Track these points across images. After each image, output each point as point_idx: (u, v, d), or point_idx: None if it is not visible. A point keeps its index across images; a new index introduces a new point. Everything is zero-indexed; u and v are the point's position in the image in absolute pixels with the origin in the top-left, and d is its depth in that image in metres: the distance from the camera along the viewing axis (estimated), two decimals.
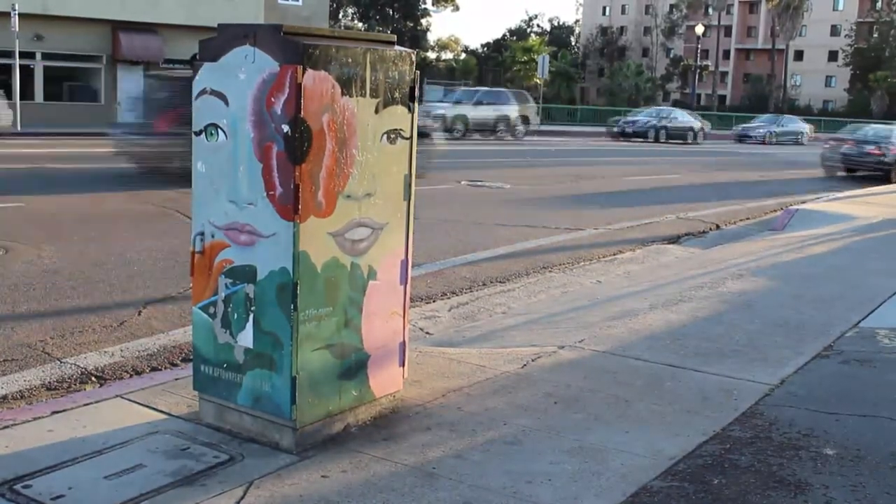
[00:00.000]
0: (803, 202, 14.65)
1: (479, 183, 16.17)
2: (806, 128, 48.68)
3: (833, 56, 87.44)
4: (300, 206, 3.60)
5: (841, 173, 22.82)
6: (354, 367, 3.99)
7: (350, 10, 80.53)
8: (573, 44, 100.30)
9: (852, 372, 5.15)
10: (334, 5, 67.38)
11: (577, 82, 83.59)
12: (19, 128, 24.93)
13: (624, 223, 11.96)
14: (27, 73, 28.76)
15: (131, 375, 4.97)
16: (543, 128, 38.03)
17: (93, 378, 4.91)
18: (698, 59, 53.06)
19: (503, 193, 15.03)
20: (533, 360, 5.16)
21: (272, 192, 3.64)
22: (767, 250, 9.67)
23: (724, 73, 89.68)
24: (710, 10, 79.08)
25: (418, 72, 4.17)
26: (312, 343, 3.75)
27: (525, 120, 34.29)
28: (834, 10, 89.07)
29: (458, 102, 32.47)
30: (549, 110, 42.32)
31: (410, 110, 4.12)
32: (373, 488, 3.43)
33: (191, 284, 4.06)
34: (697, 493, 3.48)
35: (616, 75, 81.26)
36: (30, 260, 7.76)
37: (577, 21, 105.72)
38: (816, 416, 4.37)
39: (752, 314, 6.46)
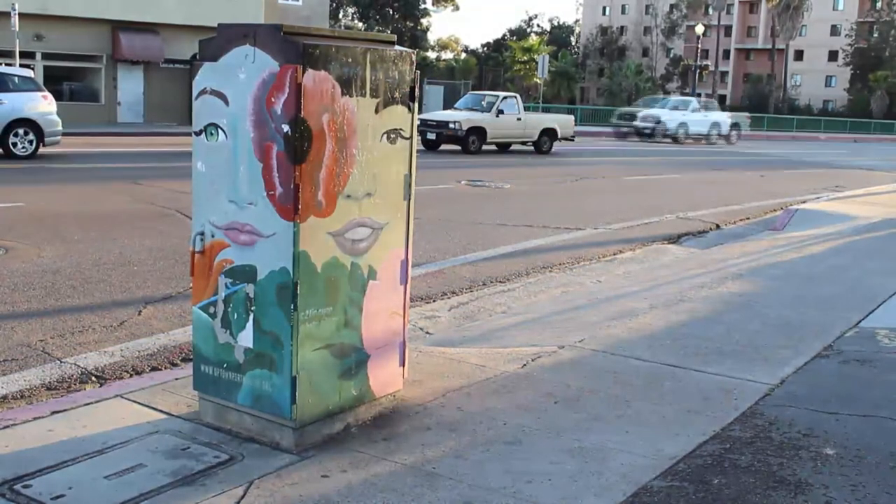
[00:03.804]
0: (803, 202, 14.64)
1: (479, 183, 16.16)
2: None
3: (833, 56, 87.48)
4: (300, 206, 3.60)
5: None
6: (354, 367, 4.00)
7: (350, 10, 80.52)
8: (573, 44, 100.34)
9: (852, 372, 5.15)
10: (334, 5, 67.36)
11: (577, 82, 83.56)
12: None
13: (624, 223, 11.96)
14: None
15: (131, 375, 4.97)
16: None
17: (93, 378, 4.91)
18: (698, 58, 53.02)
19: (504, 193, 15.02)
20: (533, 360, 5.16)
21: (272, 192, 3.64)
22: (767, 250, 9.67)
23: (724, 73, 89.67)
24: (710, 10, 79.04)
25: (418, 72, 4.17)
26: (312, 343, 3.75)
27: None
28: (834, 9, 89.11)
29: None
30: (549, 110, 42.33)
31: (410, 110, 4.12)
32: (373, 488, 3.43)
33: (191, 284, 4.07)
34: (697, 492, 3.48)
35: (616, 75, 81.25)
36: (30, 260, 7.76)
37: (577, 21, 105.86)
38: (816, 416, 4.37)
39: (752, 314, 6.46)
